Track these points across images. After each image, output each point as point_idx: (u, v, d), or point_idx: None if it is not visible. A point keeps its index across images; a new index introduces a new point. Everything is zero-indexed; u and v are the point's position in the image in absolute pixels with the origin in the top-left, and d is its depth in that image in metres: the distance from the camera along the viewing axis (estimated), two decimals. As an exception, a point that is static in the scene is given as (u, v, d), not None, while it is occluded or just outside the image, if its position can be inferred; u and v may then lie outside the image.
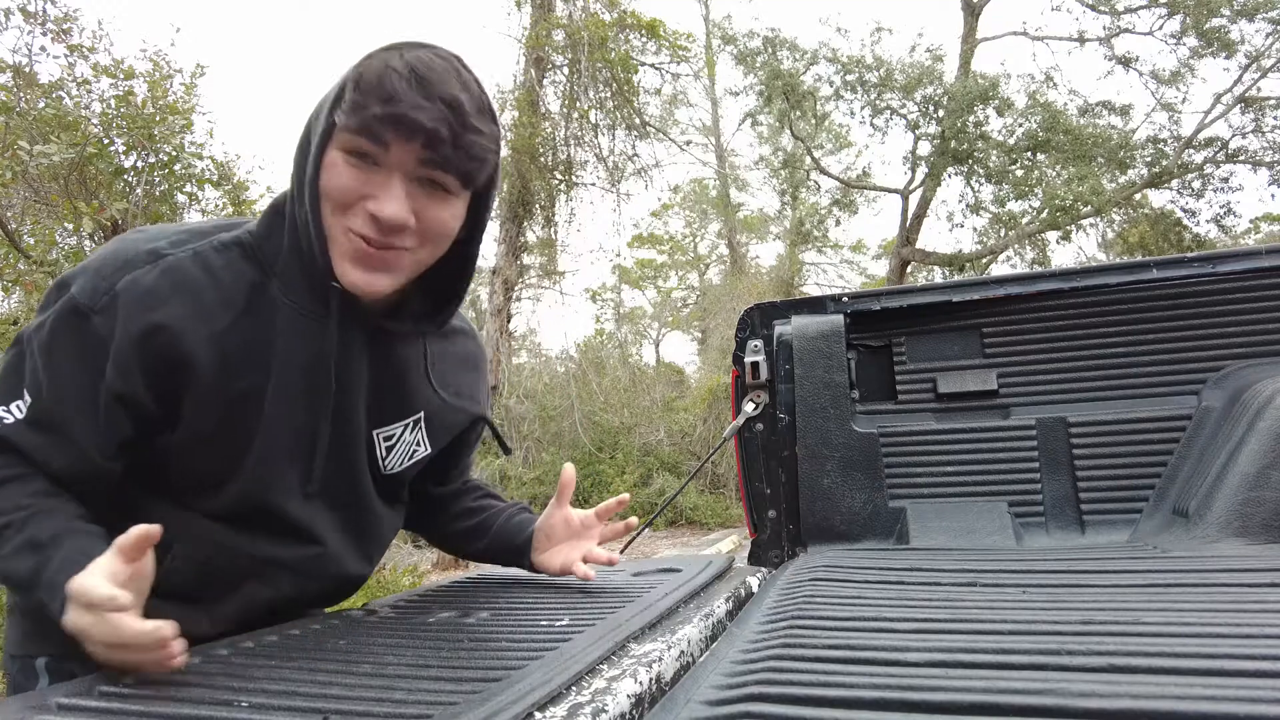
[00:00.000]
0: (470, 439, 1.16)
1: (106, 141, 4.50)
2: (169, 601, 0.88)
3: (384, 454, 0.99)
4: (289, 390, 0.89)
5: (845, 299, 1.80)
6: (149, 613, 0.87)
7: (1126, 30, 12.54)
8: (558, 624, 0.85)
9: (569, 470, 1.11)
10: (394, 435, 1.00)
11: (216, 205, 5.02)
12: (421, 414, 1.02)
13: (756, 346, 1.82)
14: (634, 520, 1.14)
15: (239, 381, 0.86)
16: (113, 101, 4.67)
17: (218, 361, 0.84)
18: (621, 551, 1.91)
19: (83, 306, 0.80)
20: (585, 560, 1.11)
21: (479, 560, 1.22)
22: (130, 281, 0.81)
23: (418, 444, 1.03)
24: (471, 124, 0.80)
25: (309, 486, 0.93)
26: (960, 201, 13.37)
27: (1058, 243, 13.15)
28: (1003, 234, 13.21)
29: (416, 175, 0.80)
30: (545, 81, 10.56)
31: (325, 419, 0.91)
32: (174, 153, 4.65)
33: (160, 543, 0.87)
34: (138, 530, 0.67)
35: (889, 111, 13.05)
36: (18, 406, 0.80)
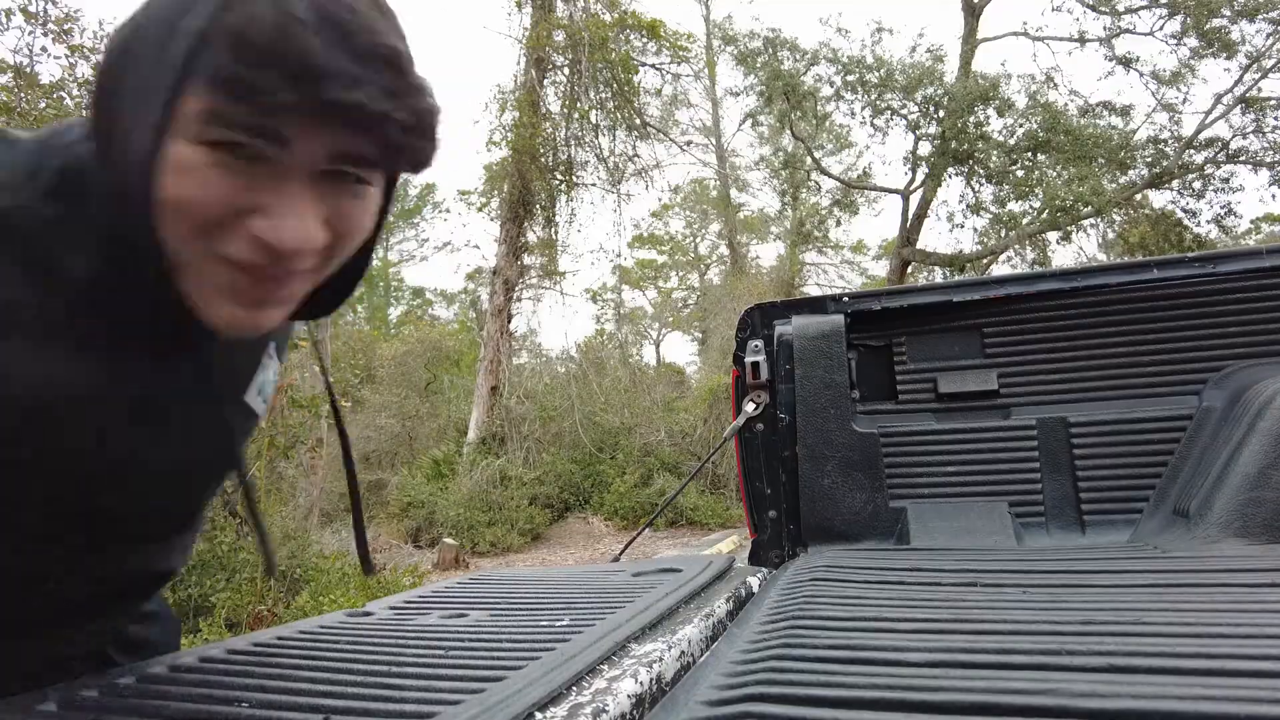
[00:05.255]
0: None
1: (107, 142, 4.49)
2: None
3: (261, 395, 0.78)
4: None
5: (846, 299, 1.79)
6: None
7: (1127, 31, 12.56)
8: (558, 624, 0.85)
9: None
10: (265, 374, 0.78)
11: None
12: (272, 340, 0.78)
13: (757, 347, 1.82)
14: None
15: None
16: (113, 102, 4.66)
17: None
18: (621, 553, 1.91)
19: None
20: None
21: None
22: None
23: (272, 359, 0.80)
24: (415, 85, 0.53)
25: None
26: (961, 202, 13.40)
27: (1058, 243, 13.18)
28: (1003, 234, 13.21)
29: (327, 168, 0.54)
30: (546, 82, 10.58)
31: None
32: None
33: None
34: None
35: (889, 112, 13.06)
36: None
